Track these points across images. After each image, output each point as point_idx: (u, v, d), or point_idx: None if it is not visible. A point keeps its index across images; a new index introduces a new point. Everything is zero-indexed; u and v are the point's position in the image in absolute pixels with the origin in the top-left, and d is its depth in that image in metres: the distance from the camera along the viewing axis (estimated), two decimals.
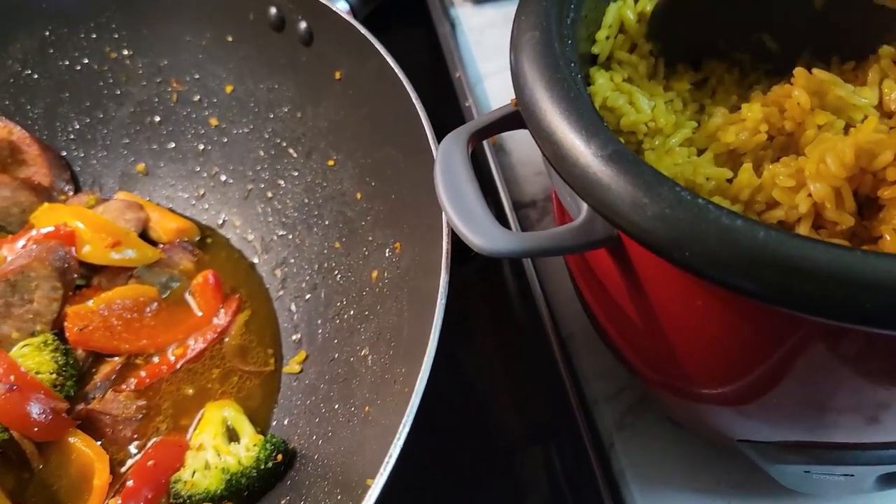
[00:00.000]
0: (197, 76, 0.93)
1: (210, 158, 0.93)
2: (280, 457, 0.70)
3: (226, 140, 0.92)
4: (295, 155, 0.87)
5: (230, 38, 0.89)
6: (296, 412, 0.75)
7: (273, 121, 0.89)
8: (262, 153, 0.90)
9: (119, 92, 0.95)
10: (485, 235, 0.48)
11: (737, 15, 0.58)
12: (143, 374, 0.80)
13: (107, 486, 0.71)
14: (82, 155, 0.96)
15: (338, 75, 0.81)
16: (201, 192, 0.93)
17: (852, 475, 0.55)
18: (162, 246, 0.88)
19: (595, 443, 0.73)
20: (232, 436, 0.74)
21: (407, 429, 0.53)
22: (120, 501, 0.69)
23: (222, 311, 0.84)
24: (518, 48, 0.50)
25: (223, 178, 0.92)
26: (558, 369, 0.77)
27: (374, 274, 0.74)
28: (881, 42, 0.55)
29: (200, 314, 0.84)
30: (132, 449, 0.75)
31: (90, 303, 0.81)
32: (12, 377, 0.72)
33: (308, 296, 0.82)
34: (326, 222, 0.83)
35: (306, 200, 0.86)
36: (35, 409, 0.71)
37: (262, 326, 0.83)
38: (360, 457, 0.62)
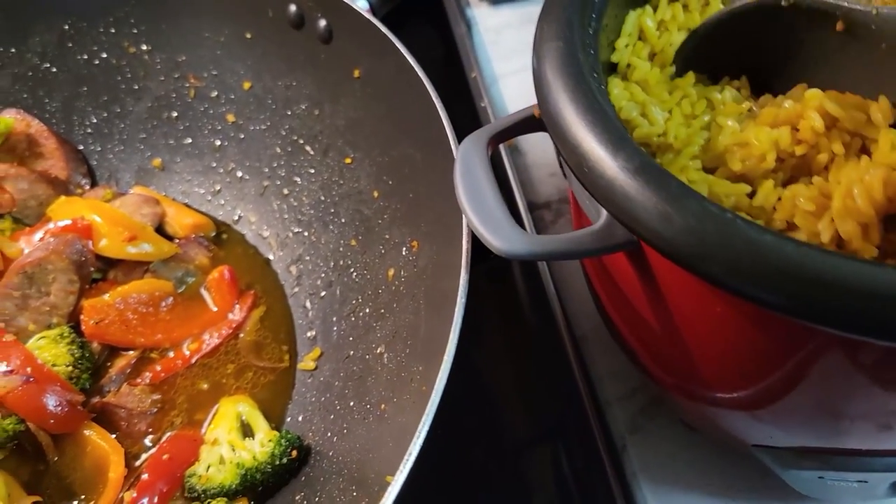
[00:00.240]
0: (215, 72, 0.93)
1: (226, 154, 0.93)
2: (295, 453, 0.70)
3: (242, 136, 0.92)
4: (312, 152, 0.87)
5: (249, 35, 0.89)
6: (310, 409, 0.75)
7: (290, 118, 0.89)
8: (278, 150, 0.90)
9: (137, 87, 0.96)
10: (505, 238, 0.48)
11: (775, 53, 0.57)
12: (158, 368, 0.80)
13: (122, 479, 0.72)
14: (99, 149, 0.97)
15: (356, 73, 0.81)
16: (217, 187, 0.94)
17: (866, 481, 0.56)
18: (177, 241, 0.89)
19: (608, 444, 0.73)
20: (246, 431, 0.74)
21: (427, 426, 0.53)
22: (135, 495, 0.70)
23: (237, 306, 0.84)
24: (541, 58, 0.50)
25: (239, 174, 0.93)
26: (571, 370, 0.77)
27: (391, 272, 0.74)
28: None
29: (216, 309, 0.84)
30: (147, 442, 0.76)
31: (106, 296, 0.81)
32: (29, 369, 0.72)
33: (323, 293, 0.82)
34: (343, 220, 0.83)
35: (322, 198, 0.86)
36: (51, 402, 0.72)
37: (277, 323, 0.84)
38: (376, 454, 0.62)
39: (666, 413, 0.72)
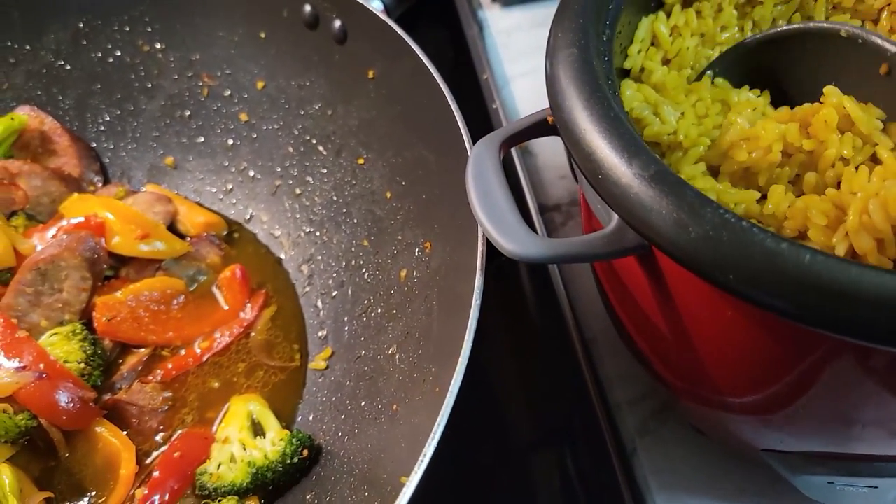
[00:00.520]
0: (228, 71, 0.93)
1: (239, 153, 0.94)
2: (306, 452, 0.70)
3: (255, 136, 0.93)
4: (325, 152, 0.87)
5: (263, 35, 0.90)
6: (321, 408, 0.76)
7: (303, 117, 0.89)
8: (291, 150, 0.90)
9: (150, 85, 0.96)
10: (517, 241, 0.49)
11: (811, 78, 0.57)
12: (169, 366, 0.80)
13: (133, 476, 0.72)
14: (112, 147, 0.97)
15: (371, 74, 0.81)
16: (229, 186, 0.94)
17: (876, 487, 0.56)
18: (189, 239, 0.89)
19: (618, 448, 0.73)
20: (257, 430, 0.74)
21: (441, 428, 0.53)
22: (146, 492, 0.70)
23: (249, 305, 0.85)
24: (555, 65, 0.50)
25: (251, 173, 0.93)
26: (580, 371, 0.77)
27: (403, 273, 0.74)
28: None
29: (227, 308, 0.84)
30: (158, 440, 0.76)
31: (118, 294, 0.82)
32: (41, 365, 0.72)
33: (335, 293, 0.83)
34: (355, 220, 0.83)
35: (335, 198, 0.86)
36: (63, 398, 0.72)
37: (289, 322, 0.84)
38: (388, 454, 0.62)
39: (676, 417, 0.72)
